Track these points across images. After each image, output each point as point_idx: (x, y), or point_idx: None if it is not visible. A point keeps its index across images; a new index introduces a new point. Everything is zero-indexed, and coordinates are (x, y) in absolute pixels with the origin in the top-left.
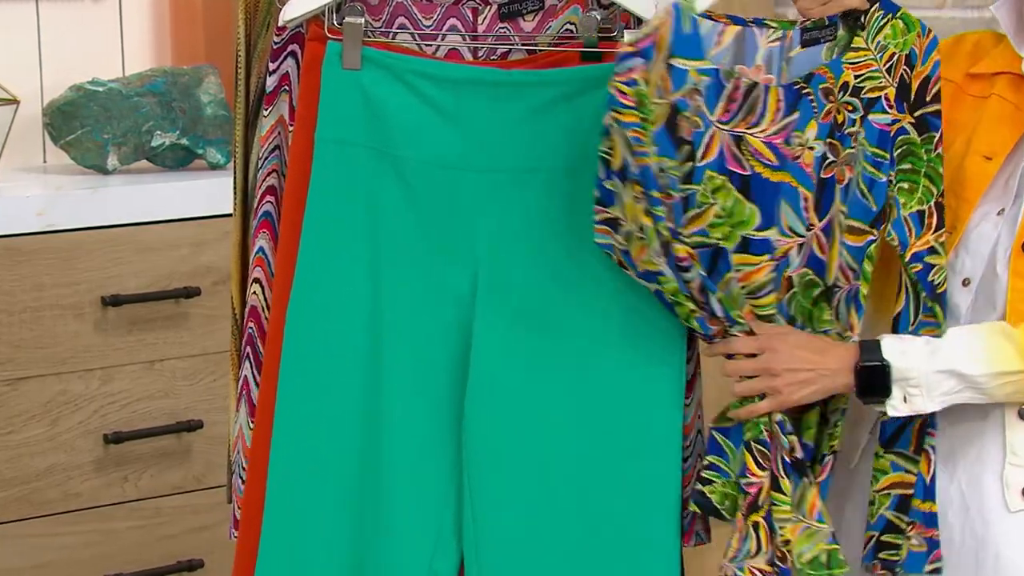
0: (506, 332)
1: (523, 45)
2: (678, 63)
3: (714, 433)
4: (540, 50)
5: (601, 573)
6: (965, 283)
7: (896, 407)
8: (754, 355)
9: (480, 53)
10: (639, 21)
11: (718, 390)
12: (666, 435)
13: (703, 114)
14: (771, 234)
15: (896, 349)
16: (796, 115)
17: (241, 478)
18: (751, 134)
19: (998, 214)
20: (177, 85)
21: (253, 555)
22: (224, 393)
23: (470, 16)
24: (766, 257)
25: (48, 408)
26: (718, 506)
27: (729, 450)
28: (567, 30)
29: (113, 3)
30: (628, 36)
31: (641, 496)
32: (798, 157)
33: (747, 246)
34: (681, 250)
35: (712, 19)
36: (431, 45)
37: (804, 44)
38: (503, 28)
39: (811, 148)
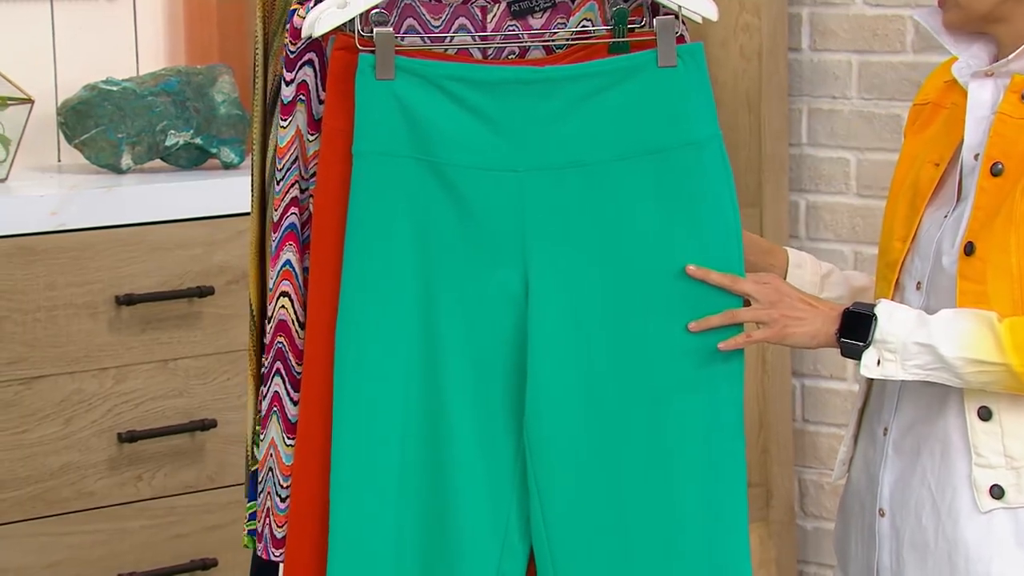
0: (561, 329)
1: (532, 42)
2: None
3: None
4: (558, 47)
5: (675, 558)
6: (918, 287)
7: (869, 367)
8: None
9: (490, 52)
10: (654, 13)
11: None
12: (729, 421)
13: None
14: None
15: (887, 310)
16: None
17: (279, 496)
18: None
19: (945, 217)
20: (191, 84)
21: (305, 572)
22: (238, 392)
23: (479, 15)
24: None
25: (62, 407)
26: None
27: None
28: (583, 26)
29: (127, 2)
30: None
31: (708, 482)
32: None
33: None
34: None
35: None
36: (441, 46)
37: None
38: (512, 26)
39: None
